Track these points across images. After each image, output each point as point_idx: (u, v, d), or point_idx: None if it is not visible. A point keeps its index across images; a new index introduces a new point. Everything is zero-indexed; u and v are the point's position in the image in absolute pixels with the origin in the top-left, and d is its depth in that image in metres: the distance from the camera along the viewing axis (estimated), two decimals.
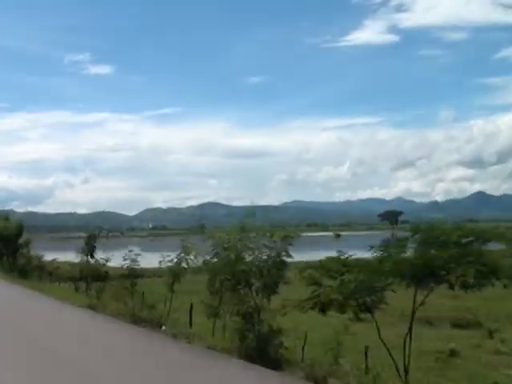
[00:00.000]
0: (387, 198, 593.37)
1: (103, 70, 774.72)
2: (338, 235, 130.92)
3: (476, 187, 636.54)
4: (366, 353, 8.85)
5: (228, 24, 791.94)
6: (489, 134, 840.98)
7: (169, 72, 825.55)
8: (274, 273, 9.37)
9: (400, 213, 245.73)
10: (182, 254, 13.42)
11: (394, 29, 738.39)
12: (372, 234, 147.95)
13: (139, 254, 16.01)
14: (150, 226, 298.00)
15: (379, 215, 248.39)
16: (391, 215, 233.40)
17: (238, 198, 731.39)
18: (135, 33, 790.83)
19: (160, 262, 14.07)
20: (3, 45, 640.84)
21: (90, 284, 21.57)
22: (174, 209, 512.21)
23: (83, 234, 23.24)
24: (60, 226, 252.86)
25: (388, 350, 8.01)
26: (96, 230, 24.15)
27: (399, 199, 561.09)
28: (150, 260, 21.02)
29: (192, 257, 13.12)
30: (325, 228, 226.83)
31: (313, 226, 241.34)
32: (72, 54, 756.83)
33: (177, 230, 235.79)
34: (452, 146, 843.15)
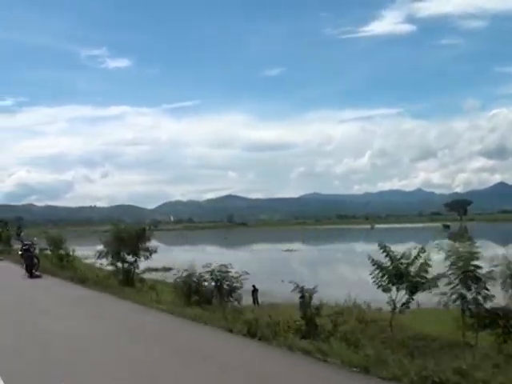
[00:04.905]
0: (407, 190, 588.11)
1: (121, 63, 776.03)
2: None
3: (497, 178, 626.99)
4: None
5: (246, 15, 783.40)
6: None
7: (187, 65, 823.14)
8: None
9: (470, 202, 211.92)
10: None
11: (412, 18, 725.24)
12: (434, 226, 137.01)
13: None
14: (172, 219, 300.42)
15: (445, 205, 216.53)
16: (458, 205, 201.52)
17: (257, 190, 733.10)
18: (152, 25, 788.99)
19: None
20: (20, 40, 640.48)
21: None
22: (194, 202, 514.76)
23: None
24: (83, 220, 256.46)
25: None
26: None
27: (419, 191, 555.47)
28: None
29: None
30: (364, 220, 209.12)
31: (348, 219, 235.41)
32: (88, 48, 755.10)
33: (206, 222, 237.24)
34: (474, 136, 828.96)
